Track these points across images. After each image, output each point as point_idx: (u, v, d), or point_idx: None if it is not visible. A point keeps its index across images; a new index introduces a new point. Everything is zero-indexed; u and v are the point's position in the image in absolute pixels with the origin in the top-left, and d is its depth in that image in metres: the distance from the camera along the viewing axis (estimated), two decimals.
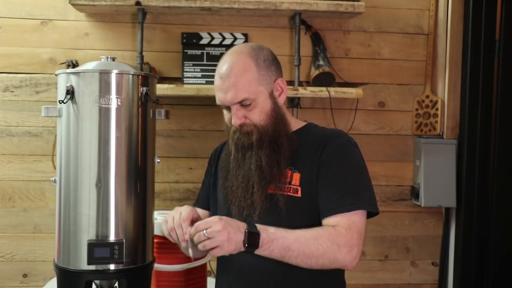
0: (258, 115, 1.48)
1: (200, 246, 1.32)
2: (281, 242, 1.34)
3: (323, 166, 1.45)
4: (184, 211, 1.45)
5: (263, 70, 1.49)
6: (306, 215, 1.46)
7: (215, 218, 1.33)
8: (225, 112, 1.55)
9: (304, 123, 1.61)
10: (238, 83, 1.46)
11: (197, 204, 1.75)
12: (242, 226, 1.34)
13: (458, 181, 2.36)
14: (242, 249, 1.32)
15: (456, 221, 2.41)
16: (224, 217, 1.34)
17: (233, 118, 1.49)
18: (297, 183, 1.46)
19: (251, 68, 1.47)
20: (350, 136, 1.53)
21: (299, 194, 1.46)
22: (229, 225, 1.31)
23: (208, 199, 1.70)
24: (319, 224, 1.45)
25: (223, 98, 1.49)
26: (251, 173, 1.48)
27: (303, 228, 1.40)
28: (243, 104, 1.47)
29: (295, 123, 1.59)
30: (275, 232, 1.35)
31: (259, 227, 1.35)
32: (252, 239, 1.32)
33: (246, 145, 1.49)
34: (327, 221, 1.43)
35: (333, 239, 1.36)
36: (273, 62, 1.52)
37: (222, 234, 1.29)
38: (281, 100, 1.53)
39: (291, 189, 1.47)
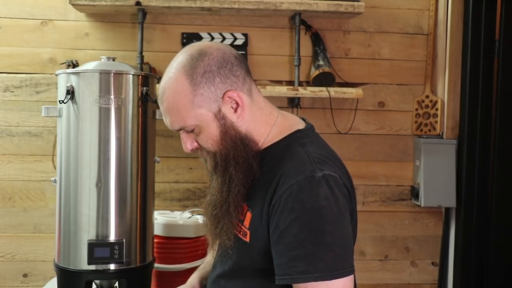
0: (205, 141, 1.21)
1: None
2: None
3: (273, 214, 1.13)
4: None
5: (202, 88, 1.17)
6: (255, 261, 1.20)
7: None
8: None
9: (289, 133, 1.24)
10: (172, 110, 1.19)
11: None
12: None
13: (458, 181, 2.36)
14: None
15: (456, 221, 2.41)
16: None
17: (182, 143, 1.25)
18: (247, 225, 1.19)
19: (184, 89, 1.17)
20: (316, 168, 1.12)
21: (247, 239, 1.19)
22: None
23: None
24: (270, 269, 1.15)
25: (164, 121, 1.24)
26: (207, 207, 1.26)
27: (253, 272, 1.20)
28: (186, 130, 1.22)
29: (279, 131, 1.25)
30: None
31: None
32: None
33: (209, 170, 1.27)
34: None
35: None
36: (220, 71, 1.18)
37: None
38: (239, 116, 1.19)
39: (242, 230, 1.20)
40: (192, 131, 1.21)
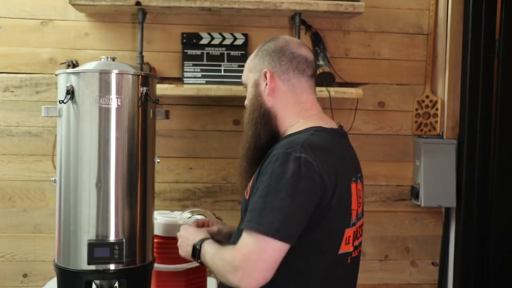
0: (247, 99, 1.56)
1: None
2: (205, 259, 1.46)
3: (259, 177, 1.39)
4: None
5: (257, 58, 1.54)
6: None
7: (181, 226, 1.63)
8: None
9: (310, 126, 1.46)
10: (244, 68, 1.60)
11: None
12: (196, 239, 1.51)
13: (458, 181, 2.36)
14: (191, 259, 1.52)
15: (456, 221, 2.41)
16: (187, 228, 1.60)
17: None
18: (250, 186, 1.45)
19: (251, 55, 1.58)
20: (298, 150, 1.33)
21: (247, 196, 1.44)
22: (185, 237, 1.56)
23: None
24: None
25: None
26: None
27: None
28: (244, 87, 1.60)
29: (305, 124, 1.46)
30: (207, 249, 1.46)
31: (206, 242, 1.48)
32: (193, 253, 1.50)
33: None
34: None
35: (222, 260, 1.37)
36: (271, 55, 1.51)
37: (179, 240, 1.58)
38: (268, 93, 1.49)
39: (247, 191, 1.46)
40: (245, 88, 1.57)
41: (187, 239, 1.54)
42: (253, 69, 1.53)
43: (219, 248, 1.43)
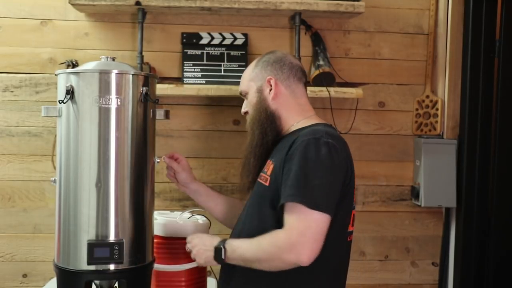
0: (249, 106, 1.73)
1: None
2: (239, 252, 1.53)
3: (286, 162, 1.52)
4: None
5: (258, 68, 1.72)
6: (269, 204, 1.56)
7: (189, 237, 1.70)
8: None
9: (317, 122, 1.68)
10: (242, 78, 1.77)
11: None
12: (214, 242, 1.58)
13: (458, 181, 2.36)
14: (214, 262, 1.59)
15: (456, 221, 2.41)
16: (199, 235, 1.68)
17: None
18: (269, 173, 1.58)
19: (251, 67, 1.75)
20: (324, 136, 1.52)
21: (267, 183, 1.57)
22: (201, 243, 1.63)
23: None
24: (275, 202, 1.53)
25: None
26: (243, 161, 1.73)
27: (264, 214, 1.57)
28: (243, 95, 1.76)
29: (308, 122, 1.67)
30: (237, 244, 1.55)
31: (228, 240, 1.58)
32: (217, 255, 1.57)
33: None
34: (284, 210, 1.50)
35: (272, 243, 1.46)
36: (273, 64, 1.70)
37: (194, 250, 1.65)
38: (272, 97, 1.67)
39: (263, 177, 1.60)
40: (245, 97, 1.74)
41: (204, 245, 1.62)
42: (255, 78, 1.71)
43: (256, 237, 1.51)
